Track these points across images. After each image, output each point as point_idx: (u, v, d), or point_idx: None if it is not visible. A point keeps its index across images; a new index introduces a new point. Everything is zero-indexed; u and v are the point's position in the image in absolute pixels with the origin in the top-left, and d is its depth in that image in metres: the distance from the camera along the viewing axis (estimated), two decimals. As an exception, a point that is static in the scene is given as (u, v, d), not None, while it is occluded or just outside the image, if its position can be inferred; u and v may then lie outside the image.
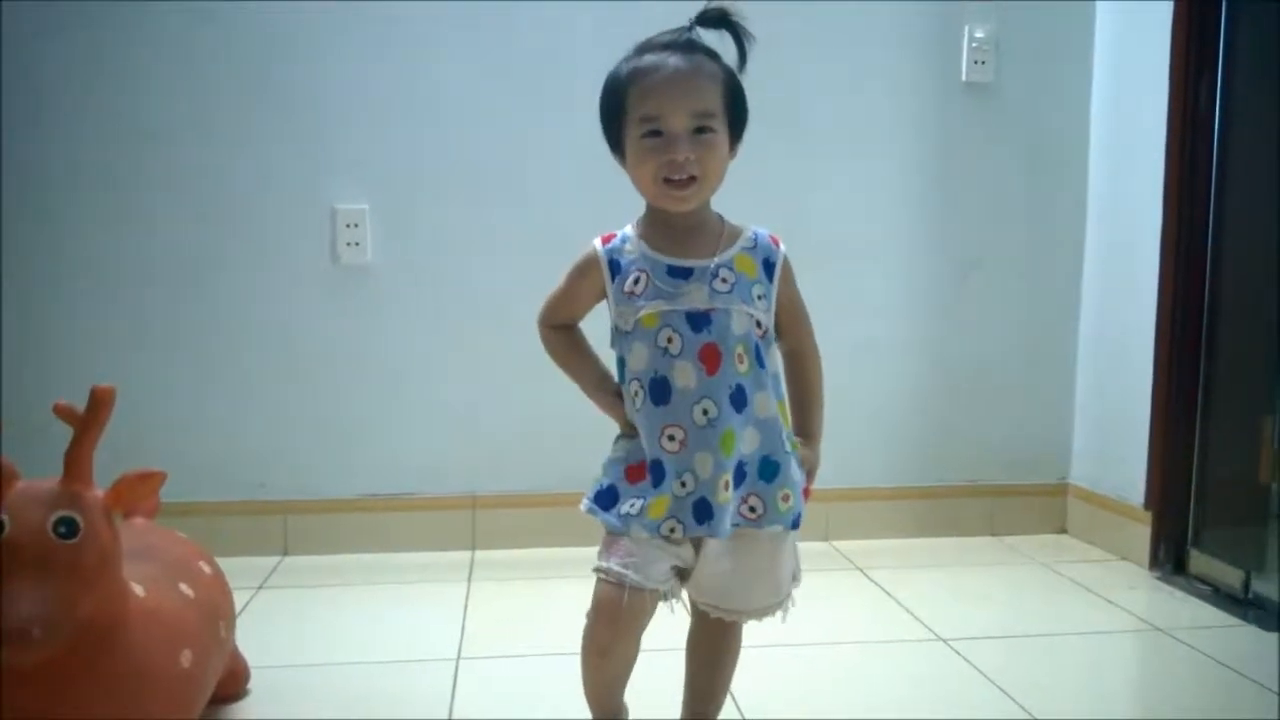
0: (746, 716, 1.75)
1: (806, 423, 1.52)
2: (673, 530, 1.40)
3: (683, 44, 1.40)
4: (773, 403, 1.44)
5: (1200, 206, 2.45)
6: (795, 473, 1.47)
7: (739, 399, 1.40)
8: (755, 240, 1.47)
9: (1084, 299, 2.84)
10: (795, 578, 1.55)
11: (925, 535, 2.81)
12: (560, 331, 1.53)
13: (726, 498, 1.40)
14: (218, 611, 1.62)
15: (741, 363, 1.41)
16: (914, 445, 2.84)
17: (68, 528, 1.26)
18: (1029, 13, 2.75)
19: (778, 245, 1.49)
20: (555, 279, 1.51)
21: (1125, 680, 2.05)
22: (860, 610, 2.30)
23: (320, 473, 2.64)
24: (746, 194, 2.59)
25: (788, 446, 1.46)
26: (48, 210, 2.52)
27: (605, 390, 1.50)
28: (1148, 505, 2.55)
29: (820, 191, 2.72)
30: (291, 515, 2.63)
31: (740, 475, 1.42)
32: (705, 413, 1.39)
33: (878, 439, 2.81)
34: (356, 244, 2.60)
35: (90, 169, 2.52)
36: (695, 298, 1.40)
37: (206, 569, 1.67)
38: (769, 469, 1.44)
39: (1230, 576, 2.36)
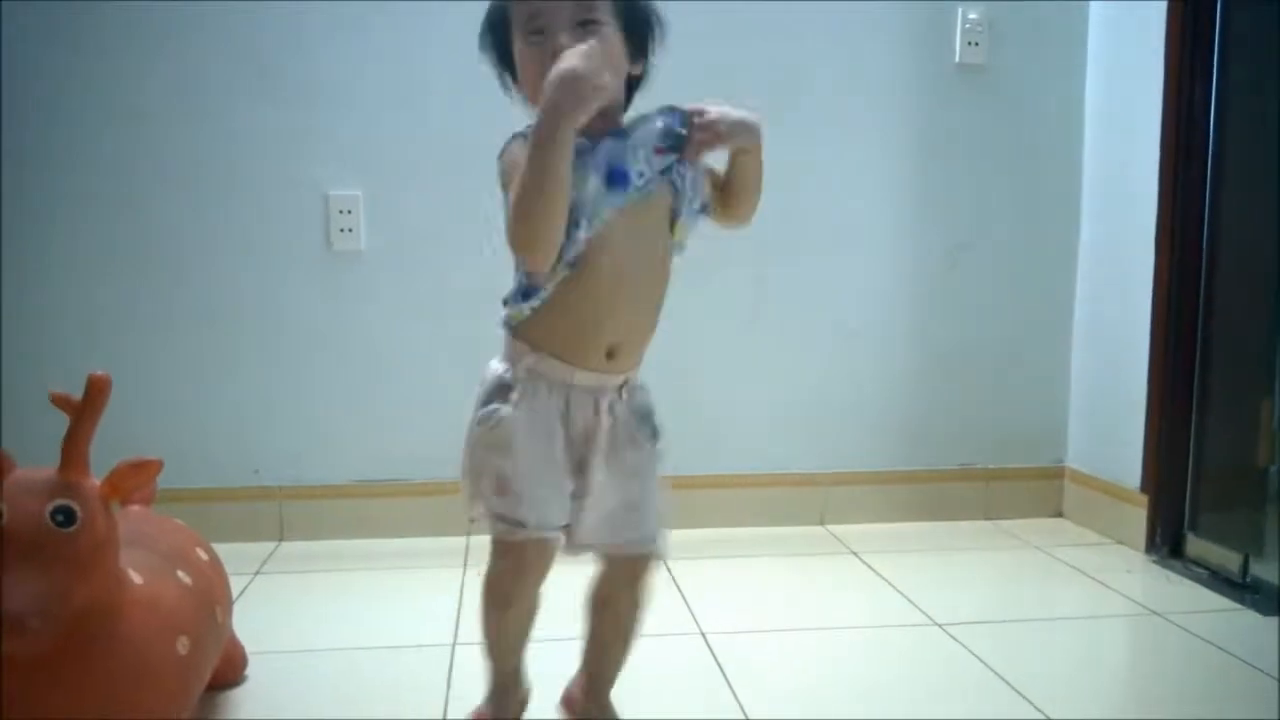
0: (740, 700, 1.75)
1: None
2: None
3: None
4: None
5: (1196, 187, 2.45)
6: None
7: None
8: (664, 126, 1.40)
9: (1079, 281, 2.84)
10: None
11: (920, 519, 2.81)
12: None
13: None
14: (214, 598, 1.61)
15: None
16: (909, 429, 2.83)
17: (65, 516, 1.26)
18: (1024, -5, 2.75)
19: (678, 113, 1.41)
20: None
21: (1121, 665, 2.06)
22: (855, 595, 2.30)
23: (315, 458, 2.64)
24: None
25: None
26: (40, 198, 2.51)
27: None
28: (1144, 488, 2.55)
29: (811, 173, 2.72)
30: (287, 501, 2.63)
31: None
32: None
33: (872, 423, 2.81)
34: (349, 230, 2.59)
35: (83, 156, 2.51)
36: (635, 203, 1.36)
37: (203, 556, 1.66)
38: None
39: (1228, 560, 2.37)
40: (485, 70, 2.57)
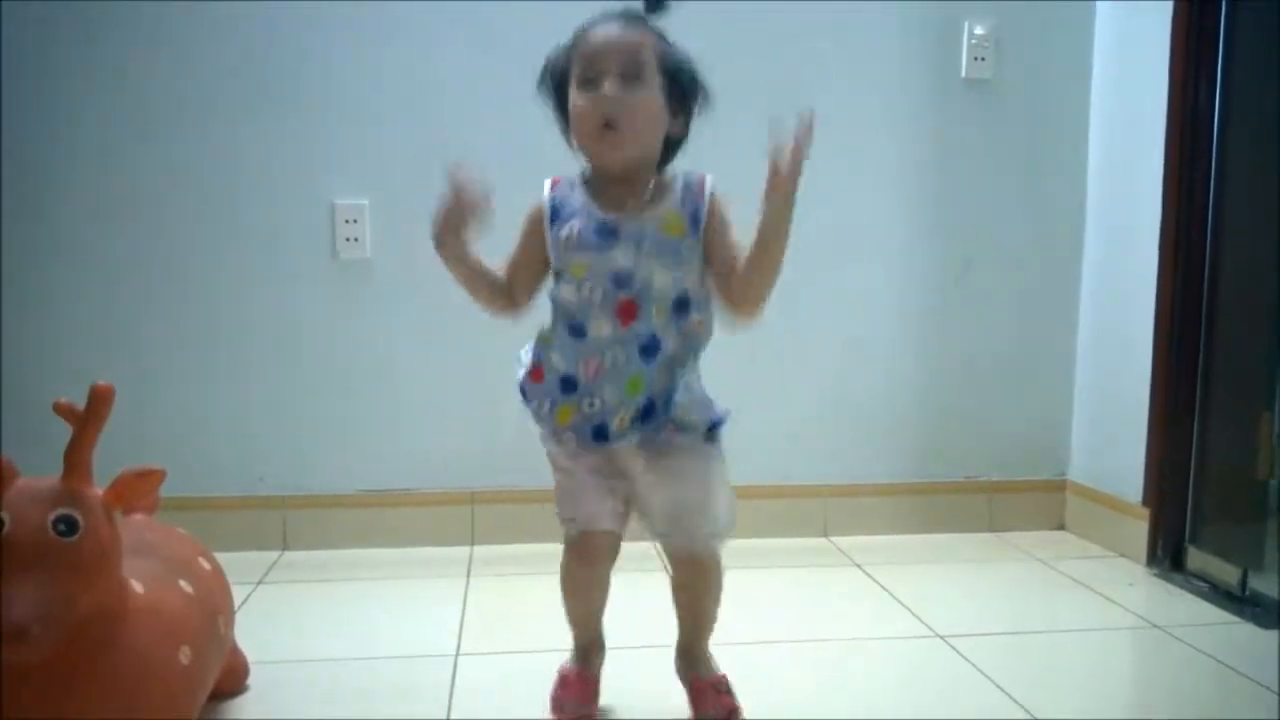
0: (743, 712, 1.75)
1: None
2: (567, 440, 1.57)
3: (621, 14, 1.51)
4: (683, 347, 1.54)
5: (1199, 202, 2.45)
6: (696, 391, 1.57)
7: (650, 348, 1.51)
8: (682, 190, 1.53)
9: (1083, 295, 2.84)
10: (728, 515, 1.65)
11: (923, 531, 2.81)
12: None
13: (621, 429, 1.53)
14: (217, 608, 1.62)
15: (659, 315, 1.51)
16: (912, 441, 2.84)
17: (67, 526, 1.27)
18: (1029, 9, 2.75)
19: (703, 191, 1.54)
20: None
21: (1122, 677, 2.06)
22: (858, 606, 2.30)
23: (320, 468, 2.65)
24: (745, 188, 2.61)
25: (681, 374, 1.54)
26: (45, 206, 2.52)
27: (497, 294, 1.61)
28: (1146, 502, 2.55)
29: (818, 186, 2.69)
30: (291, 510, 2.64)
31: (650, 410, 1.52)
32: (614, 359, 1.52)
33: (876, 435, 2.81)
34: (355, 240, 2.60)
35: (88, 166, 2.52)
36: (620, 258, 1.49)
37: (206, 565, 1.67)
38: (668, 399, 1.53)
39: (1228, 574, 2.37)
40: (491, 77, 2.61)
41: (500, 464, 2.65)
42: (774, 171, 1.45)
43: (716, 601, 1.71)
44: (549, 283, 1.59)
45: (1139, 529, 2.55)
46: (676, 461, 1.57)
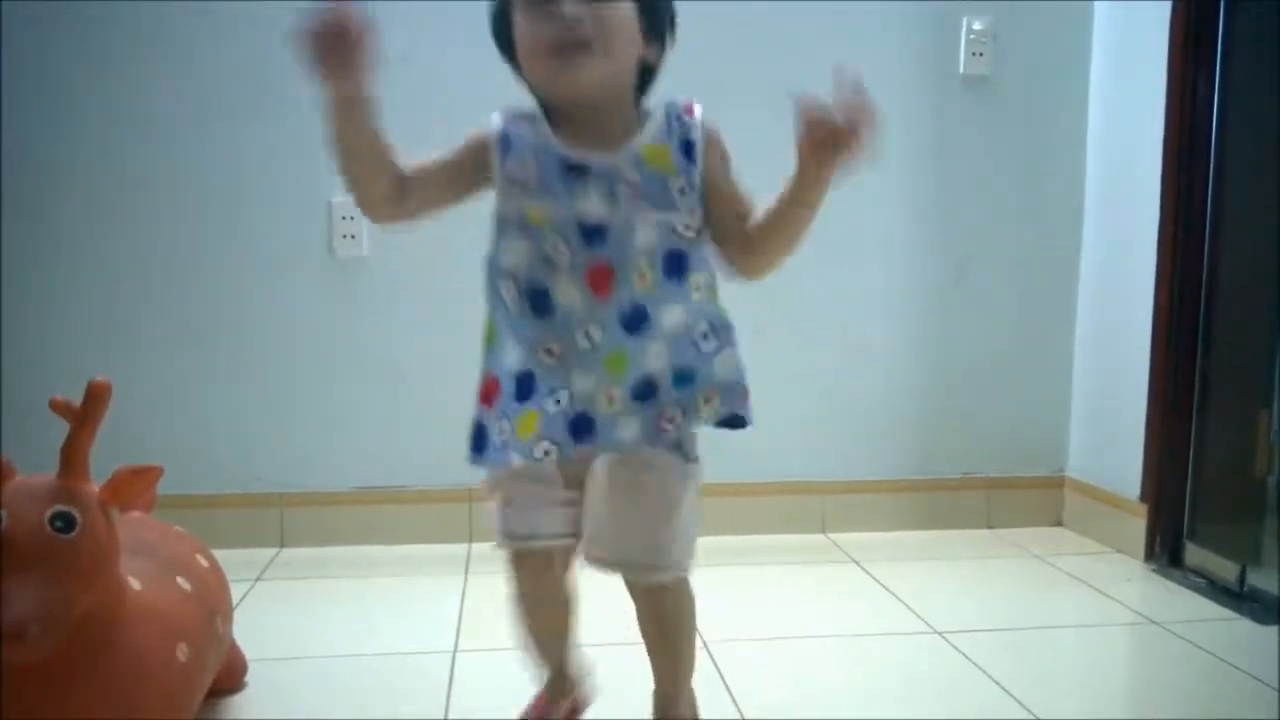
0: (741, 708, 1.75)
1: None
2: (547, 453, 1.25)
3: None
4: (687, 314, 1.30)
5: (1198, 199, 2.45)
6: (720, 374, 1.32)
7: (635, 320, 1.25)
8: (668, 118, 1.26)
9: (1081, 292, 2.84)
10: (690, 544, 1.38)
11: (922, 528, 2.81)
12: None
13: (612, 410, 1.27)
14: (215, 605, 1.62)
15: (644, 280, 1.25)
16: (911, 438, 2.84)
17: (64, 523, 1.27)
18: (1027, 5, 2.74)
19: (693, 116, 1.27)
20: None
21: (1120, 674, 2.06)
22: (856, 603, 2.30)
23: (317, 465, 2.65)
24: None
25: (705, 348, 1.31)
26: (43, 205, 2.52)
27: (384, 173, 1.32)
28: (1144, 498, 2.55)
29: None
30: (288, 508, 2.64)
31: (649, 390, 1.28)
32: (588, 336, 1.25)
33: (875, 432, 2.82)
34: (352, 237, 2.60)
35: (86, 164, 2.52)
36: (590, 205, 1.22)
37: (203, 562, 1.67)
38: (684, 376, 1.30)
39: (1226, 570, 2.37)
40: (489, 72, 2.59)
41: (499, 462, 2.64)
42: (834, 131, 1.22)
43: (688, 632, 1.46)
44: (488, 246, 1.38)
45: (1137, 525, 2.55)
46: (647, 479, 1.33)
